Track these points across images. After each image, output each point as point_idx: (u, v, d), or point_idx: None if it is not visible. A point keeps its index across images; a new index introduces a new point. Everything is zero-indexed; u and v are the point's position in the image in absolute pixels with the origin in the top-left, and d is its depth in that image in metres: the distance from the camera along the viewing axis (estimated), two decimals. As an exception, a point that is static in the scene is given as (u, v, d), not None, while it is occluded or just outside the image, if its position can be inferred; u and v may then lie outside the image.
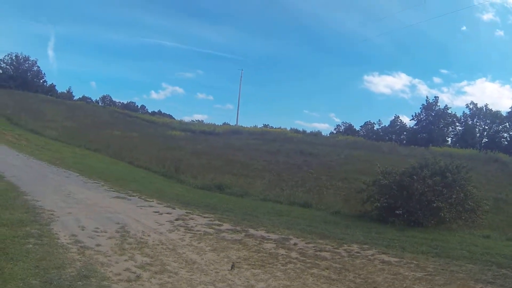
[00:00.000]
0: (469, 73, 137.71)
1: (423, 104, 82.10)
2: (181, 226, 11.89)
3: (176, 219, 12.79)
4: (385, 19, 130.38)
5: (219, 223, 12.83)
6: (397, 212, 16.32)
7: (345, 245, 11.15)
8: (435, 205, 15.81)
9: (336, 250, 10.57)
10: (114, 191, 17.38)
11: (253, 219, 14.20)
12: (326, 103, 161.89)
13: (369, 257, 10.06)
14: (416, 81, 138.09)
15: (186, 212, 14.16)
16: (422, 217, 15.97)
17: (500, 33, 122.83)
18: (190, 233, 11.11)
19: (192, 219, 13.10)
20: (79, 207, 13.01)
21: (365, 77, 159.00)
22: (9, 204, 11.79)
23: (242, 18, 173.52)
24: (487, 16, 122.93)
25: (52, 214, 11.32)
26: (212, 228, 12.02)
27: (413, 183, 16.52)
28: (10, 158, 24.11)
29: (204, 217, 13.65)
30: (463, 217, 16.75)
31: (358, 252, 10.44)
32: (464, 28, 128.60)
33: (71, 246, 8.55)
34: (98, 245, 8.88)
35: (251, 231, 12.10)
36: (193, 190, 22.45)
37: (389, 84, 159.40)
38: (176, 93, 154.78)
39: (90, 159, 30.07)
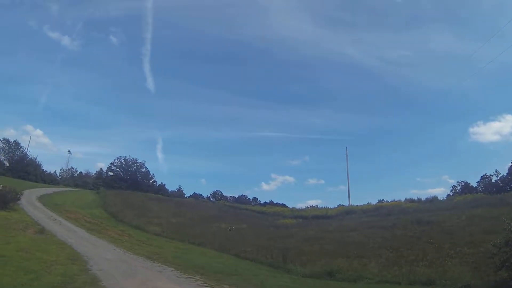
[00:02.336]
0: None
1: None
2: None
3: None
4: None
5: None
6: None
7: None
8: None
9: None
10: (207, 286, 15.90)
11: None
12: (437, 166, 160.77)
13: None
14: None
15: None
16: None
17: None
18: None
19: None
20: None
21: (471, 129, 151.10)
22: None
23: (339, 99, 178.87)
24: None
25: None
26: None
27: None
28: (105, 252, 23.70)
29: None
30: None
31: None
32: None
33: None
34: None
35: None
36: (300, 280, 21.24)
37: (497, 130, 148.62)
38: (287, 182, 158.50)
39: (191, 254, 29.17)
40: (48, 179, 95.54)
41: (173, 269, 20.21)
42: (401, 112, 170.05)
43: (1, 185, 36.37)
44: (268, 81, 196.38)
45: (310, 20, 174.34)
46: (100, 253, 22.95)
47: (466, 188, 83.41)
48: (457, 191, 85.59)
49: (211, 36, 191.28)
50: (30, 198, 46.34)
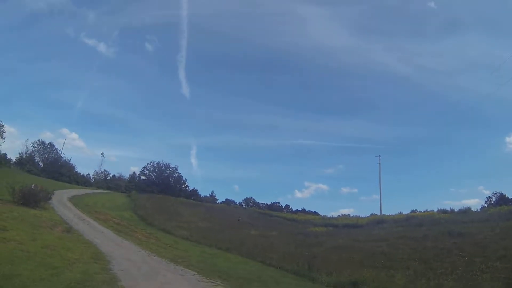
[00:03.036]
0: None
1: None
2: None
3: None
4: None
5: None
6: None
7: None
8: None
9: None
10: None
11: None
12: (472, 177, 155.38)
13: None
14: None
15: None
16: None
17: None
18: None
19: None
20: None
21: (507, 139, 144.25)
22: None
23: (375, 107, 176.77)
24: None
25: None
26: None
27: None
28: (130, 253, 24.00)
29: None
30: None
31: None
32: None
33: None
34: None
35: None
36: None
37: None
38: (320, 190, 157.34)
39: (217, 259, 29.22)
40: (81, 181, 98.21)
41: (195, 273, 20.30)
42: (436, 121, 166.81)
43: (33, 184, 37.55)
44: (303, 89, 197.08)
45: (347, 28, 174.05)
46: (124, 254, 23.26)
47: (501, 199, 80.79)
48: (492, 202, 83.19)
49: (246, 43, 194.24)
50: (62, 198, 47.65)
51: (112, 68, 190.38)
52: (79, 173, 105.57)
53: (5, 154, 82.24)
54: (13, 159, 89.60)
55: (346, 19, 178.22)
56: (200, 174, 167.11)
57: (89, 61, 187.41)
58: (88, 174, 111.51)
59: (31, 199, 33.71)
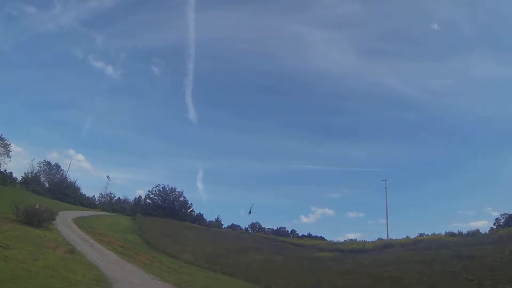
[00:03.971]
0: None
1: None
2: None
3: None
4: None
5: None
6: None
7: None
8: None
9: None
10: None
11: None
12: (480, 198, 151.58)
13: None
14: None
15: None
16: None
17: None
18: None
19: None
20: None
21: None
22: None
23: (380, 130, 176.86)
24: None
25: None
26: None
27: None
28: (133, 277, 23.61)
29: None
30: None
31: None
32: None
33: None
34: None
35: None
36: None
37: None
38: (326, 215, 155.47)
39: (221, 283, 28.98)
40: (86, 203, 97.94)
41: (199, 298, 19.92)
42: (442, 142, 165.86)
43: (37, 204, 37.36)
44: (308, 113, 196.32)
45: (351, 51, 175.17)
46: (126, 277, 22.86)
47: (510, 220, 79.58)
48: (501, 223, 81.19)
49: (253, 68, 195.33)
50: (66, 219, 47.31)
51: (119, 91, 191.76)
52: (84, 194, 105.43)
53: (11, 173, 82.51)
54: (19, 178, 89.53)
55: (351, 42, 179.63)
56: (206, 198, 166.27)
57: (97, 83, 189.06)
58: (94, 196, 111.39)
59: (35, 219, 33.45)
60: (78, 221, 49.80)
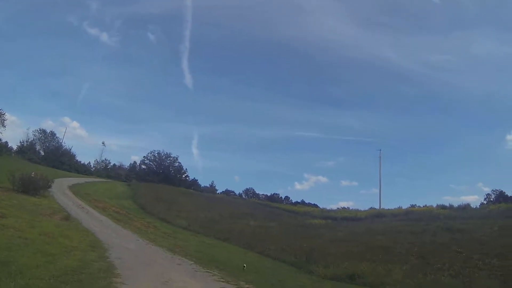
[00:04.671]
0: None
1: None
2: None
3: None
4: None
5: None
6: None
7: None
8: None
9: None
10: (222, 282, 15.90)
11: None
12: (472, 174, 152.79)
13: None
14: None
15: None
16: None
17: None
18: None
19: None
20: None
21: (508, 136, 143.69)
22: (90, 284, 11.25)
23: (377, 101, 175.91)
24: None
25: (127, 301, 9.47)
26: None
27: None
28: (128, 242, 24.05)
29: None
30: None
31: None
32: None
33: None
34: None
35: None
36: (320, 282, 21.20)
37: None
38: (320, 182, 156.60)
39: (215, 249, 29.37)
40: (82, 170, 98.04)
41: (192, 262, 20.41)
42: (438, 116, 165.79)
43: (33, 172, 37.51)
44: (306, 81, 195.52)
45: (351, 22, 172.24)
46: (122, 242, 23.28)
47: (500, 197, 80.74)
48: (491, 199, 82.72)
49: (250, 34, 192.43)
50: (61, 187, 47.55)
51: (114, 58, 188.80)
52: (80, 161, 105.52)
53: (6, 142, 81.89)
54: (14, 147, 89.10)
55: (351, 13, 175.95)
56: (201, 164, 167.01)
57: (92, 50, 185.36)
58: (89, 163, 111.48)
59: (31, 187, 33.72)
60: (74, 188, 50.08)
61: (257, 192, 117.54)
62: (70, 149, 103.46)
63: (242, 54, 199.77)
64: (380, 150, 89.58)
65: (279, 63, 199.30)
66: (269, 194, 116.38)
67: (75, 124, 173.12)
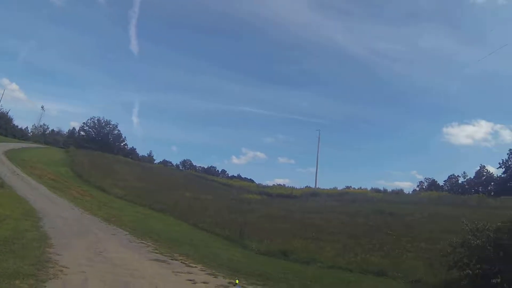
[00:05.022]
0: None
1: (510, 149, 78.82)
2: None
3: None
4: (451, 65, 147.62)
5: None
6: (494, 281, 13.13)
7: None
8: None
9: None
10: (157, 253, 16.19)
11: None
12: (407, 161, 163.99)
13: None
14: (498, 126, 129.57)
15: (228, 283, 12.02)
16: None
17: None
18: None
19: (231, 292, 11.02)
20: (100, 267, 11.65)
21: (445, 129, 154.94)
22: (22, 254, 11.13)
23: (322, 83, 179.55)
24: None
25: (61, 271, 10.11)
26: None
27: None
28: (63, 211, 24.20)
29: (248, 290, 11.50)
30: None
31: None
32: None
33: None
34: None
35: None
36: (253, 256, 21.15)
37: (470, 133, 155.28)
38: (258, 158, 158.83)
39: (150, 219, 29.70)
40: (19, 135, 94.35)
41: (127, 233, 20.74)
42: (381, 103, 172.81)
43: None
44: (252, 57, 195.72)
45: (305, 2, 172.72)
46: (57, 211, 23.40)
47: (432, 185, 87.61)
48: (424, 187, 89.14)
49: (202, 6, 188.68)
50: (-4, 152, 46.08)
51: (60, 18, 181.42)
52: (17, 126, 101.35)
53: None
54: None
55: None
56: (140, 133, 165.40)
57: (37, 9, 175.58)
58: (27, 127, 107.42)
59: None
60: (9, 154, 48.63)
61: (194, 164, 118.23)
62: (7, 113, 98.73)
63: (192, 26, 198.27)
64: (319, 130, 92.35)
65: (229, 37, 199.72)
66: (206, 167, 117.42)
67: (14, 86, 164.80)
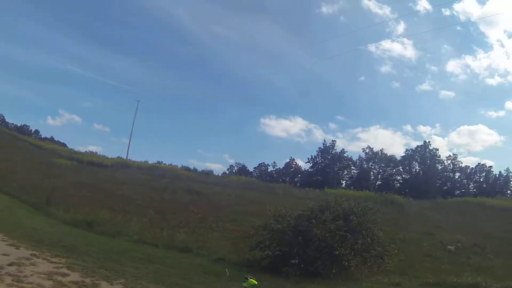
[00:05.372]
0: (364, 120, 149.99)
1: (319, 148, 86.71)
2: (10, 275, 9.45)
3: (10, 264, 10.44)
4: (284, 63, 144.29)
5: (66, 271, 10.82)
6: (292, 261, 15.25)
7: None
8: (337, 252, 15.14)
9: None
10: None
11: (115, 267, 12.48)
12: (221, 144, 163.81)
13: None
14: (312, 126, 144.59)
15: (31, 254, 11.98)
16: (322, 267, 15.21)
17: (396, 84, 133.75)
18: (16, 287, 8.80)
19: (33, 265, 10.97)
20: None
21: (262, 120, 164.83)
22: None
23: (149, 51, 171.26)
24: (384, 68, 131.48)
25: None
26: (52, 279, 9.87)
27: (311, 228, 15.87)
28: None
29: (51, 262, 11.65)
30: (369, 263, 16.33)
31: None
32: (362, 78, 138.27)
33: None
34: None
35: (104, 285, 10.31)
36: (58, 226, 20.68)
37: (286, 127, 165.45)
38: (73, 121, 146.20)
39: None
40: None
41: None
42: (206, 83, 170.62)
43: None
44: (84, 12, 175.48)
45: None
46: None
47: (242, 170, 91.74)
48: (234, 171, 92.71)
49: None
50: None
51: None
52: None
53: None
54: None
55: None
56: None
57: None
58: None
59: None
60: None
61: (6, 120, 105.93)
62: None
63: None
64: (139, 101, 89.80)
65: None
66: (19, 125, 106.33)
67: None
